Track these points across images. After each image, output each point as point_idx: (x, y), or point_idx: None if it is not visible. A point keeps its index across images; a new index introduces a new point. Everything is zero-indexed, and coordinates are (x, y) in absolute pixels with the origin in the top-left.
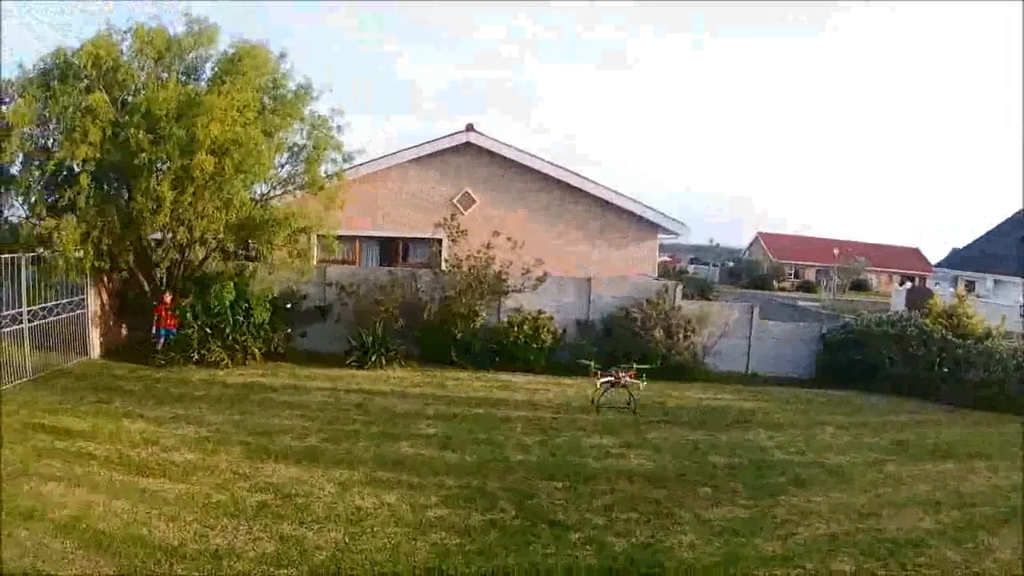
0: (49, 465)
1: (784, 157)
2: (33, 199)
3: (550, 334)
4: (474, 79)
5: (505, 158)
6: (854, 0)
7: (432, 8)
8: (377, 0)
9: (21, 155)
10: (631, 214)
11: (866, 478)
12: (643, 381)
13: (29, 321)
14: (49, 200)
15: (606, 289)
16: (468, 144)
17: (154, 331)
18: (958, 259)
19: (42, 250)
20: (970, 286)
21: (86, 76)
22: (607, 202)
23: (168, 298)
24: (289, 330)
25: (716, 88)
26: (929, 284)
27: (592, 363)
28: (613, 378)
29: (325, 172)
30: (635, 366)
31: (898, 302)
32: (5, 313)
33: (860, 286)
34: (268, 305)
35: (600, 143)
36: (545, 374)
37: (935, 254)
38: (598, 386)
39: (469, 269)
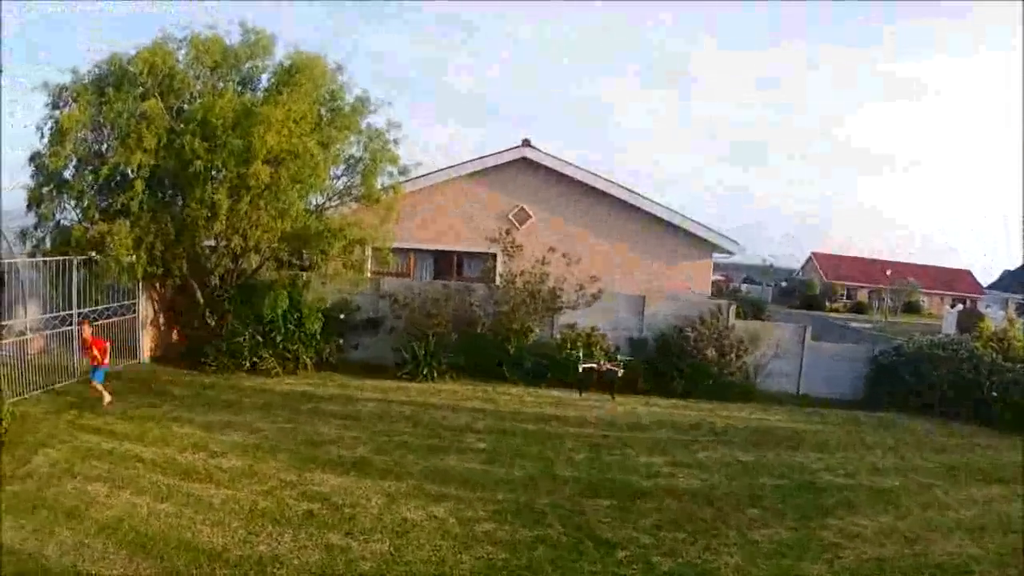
0: (94, 466)
1: (843, 176)
2: (86, 203)
3: (603, 351)
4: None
5: (561, 174)
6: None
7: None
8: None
9: (75, 159)
10: (685, 232)
11: (914, 501)
12: (621, 368)
13: (80, 324)
14: (102, 205)
15: (659, 307)
16: (524, 159)
17: (91, 374)
18: (1010, 281)
19: (93, 254)
20: (1021, 308)
21: (141, 83)
22: (662, 219)
23: (88, 332)
24: (341, 341)
25: (774, 105)
26: (980, 306)
27: (580, 351)
28: (595, 366)
29: (381, 184)
30: (619, 358)
31: (949, 324)
32: (55, 314)
33: (912, 308)
34: (320, 315)
35: (655, 158)
36: (597, 391)
37: (987, 276)
38: (580, 370)
39: (523, 285)
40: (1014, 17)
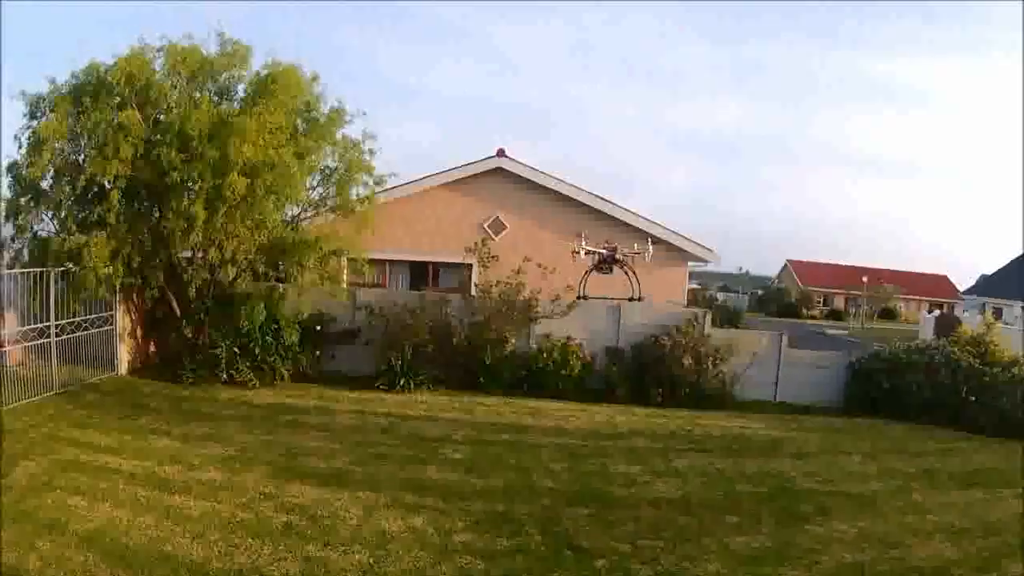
0: (74, 478)
1: (816, 184)
2: (63, 214)
3: (579, 360)
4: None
5: (536, 183)
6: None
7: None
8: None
9: (52, 170)
10: (661, 241)
11: (892, 506)
12: (649, 251)
13: (57, 335)
14: (79, 216)
15: (636, 316)
16: (499, 169)
17: None
18: (987, 286)
19: (71, 265)
20: (998, 313)
21: (119, 93)
22: (637, 228)
23: None
24: (318, 352)
25: (751, 111)
26: (957, 311)
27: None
28: (606, 250)
29: (356, 195)
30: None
31: (927, 330)
32: (33, 326)
33: (889, 314)
34: (298, 327)
35: (630, 166)
36: (574, 401)
37: (963, 281)
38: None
39: (499, 295)
40: (996, 20)
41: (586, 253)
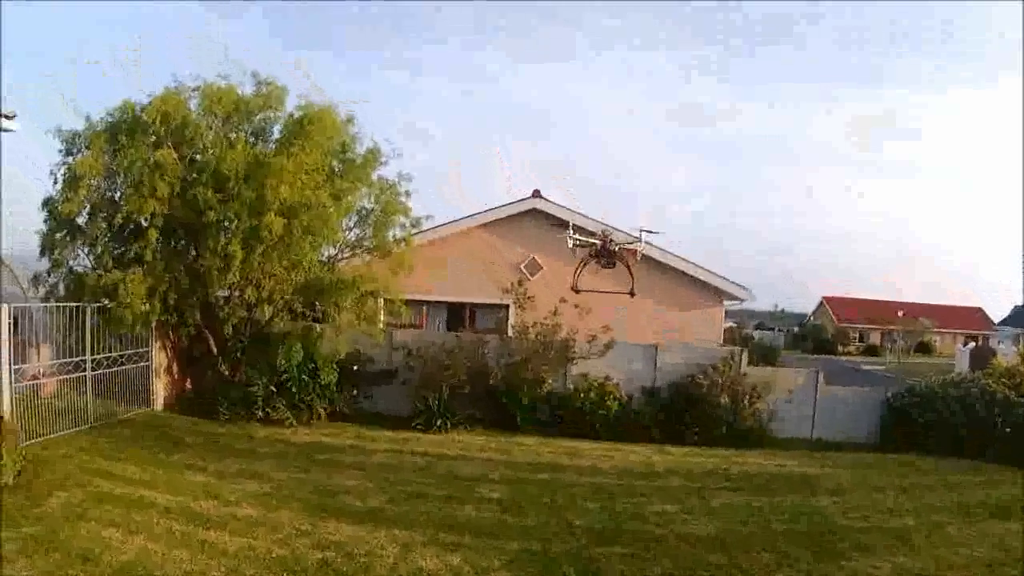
0: (108, 510)
1: (850, 221)
2: (99, 250)
3: (616, 400)
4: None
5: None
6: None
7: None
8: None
9: (88, 206)
10: (697, 280)
11: (927, 541)
12: (641, 243)
13: (92, 369)
14: (115, 252)
15: (672, 355)
16: (535, 210)
17: None
18: (1021, 316)
19: (107, 301)
20: None
21: (154, 132)
22: (673, 268)
23: None
24: (355, 391)
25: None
26: (992, 343)
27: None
28: (600, 241)
29: (393, 236)
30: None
31: (962, 363)
32: (69, 360)
33: (924, 348)
34: (335, 366)
35: (666, 206)
36: (610, 440)
37: (998, 312)
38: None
39: (536, 336)
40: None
41: (578, 245)
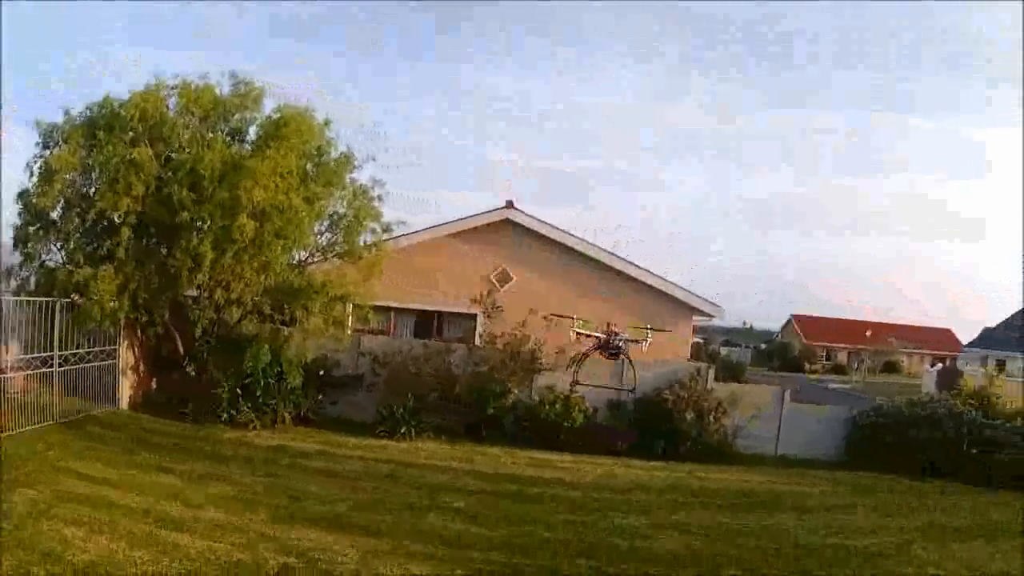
0: (73, 509)
1: (818, 239)
2: (72, 246)
3: (581, 413)
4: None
5: (543, 236)
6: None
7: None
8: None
9: (62, 201)
10: (666, 295)
11: (894, 560)
12: (647, 340)
13: (60, 365)
14: (88, 248)
15: (639, 369)
16: (507, 221)
17: None
18: (989, 339)
19: (77, 297)
20: (1001, 365)
21: (132, 129)
22: (642, 282)
23: None
24: (320, 396)
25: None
26: (959, 364)
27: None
28: (604, 334)
29: (364, 242)
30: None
31: (929, 383)
32: (37, 355)
33: (892, 368)
34: (301, 370)
35: (635, 220)
36: (575, 452)
37: (966, 334)
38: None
39: (504, 346)
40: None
41: (582, 336)
